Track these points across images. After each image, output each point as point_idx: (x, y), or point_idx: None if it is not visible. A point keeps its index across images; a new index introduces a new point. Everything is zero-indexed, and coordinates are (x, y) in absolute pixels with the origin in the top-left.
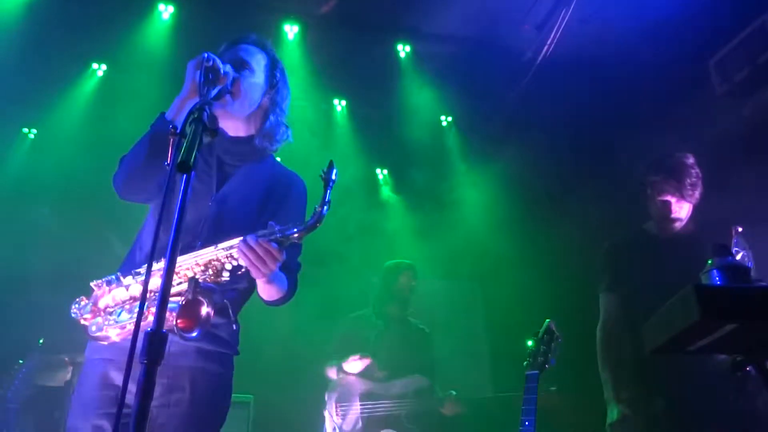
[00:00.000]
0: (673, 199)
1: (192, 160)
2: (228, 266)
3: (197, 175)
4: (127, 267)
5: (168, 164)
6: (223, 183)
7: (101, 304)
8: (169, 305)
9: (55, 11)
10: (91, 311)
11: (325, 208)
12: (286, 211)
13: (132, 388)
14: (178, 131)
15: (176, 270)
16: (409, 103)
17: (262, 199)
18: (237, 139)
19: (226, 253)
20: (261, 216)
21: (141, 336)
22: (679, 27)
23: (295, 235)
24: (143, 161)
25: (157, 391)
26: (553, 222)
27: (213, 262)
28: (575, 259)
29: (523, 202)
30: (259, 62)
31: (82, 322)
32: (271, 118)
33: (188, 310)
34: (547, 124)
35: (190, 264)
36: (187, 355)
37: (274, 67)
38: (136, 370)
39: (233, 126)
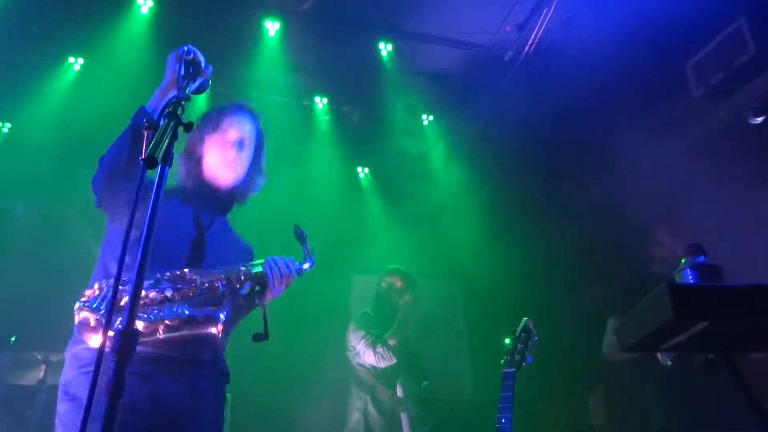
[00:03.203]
0: (667, 240)
1: (160, 153)
2: (246, 284)
3: (179, 216)
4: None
5: (142, 159)
6: (207, 226)
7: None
8: (219, 314)
9: (31, 4)
10: (97, 308)
11: (313, 259)
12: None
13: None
14: (152, 124)
15: (203, 282)
16: (390, 101)
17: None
18: (221, 192)
19: (248, 271)
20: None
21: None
22: (657, 30)
23: (307, 269)
24: (126, 157)
25: (176, 396)
26: (533, 222)
27: (236, 279)
28: (554, 258)
29: (504, 202)
30: (251, 135)
31: (82, 314)
32: (257, 181)
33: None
34: (527, 125)
35: (220, 277)
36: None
37: (261, 135)
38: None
39: (223, 185)
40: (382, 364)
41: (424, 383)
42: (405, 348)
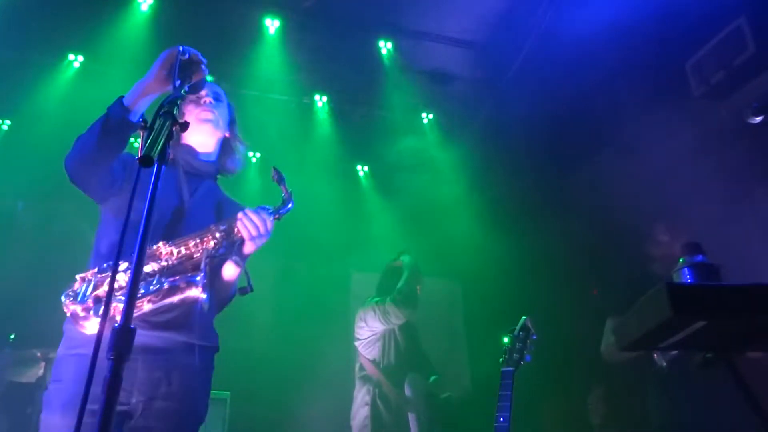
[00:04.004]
0: (666, 238)
1: (156, 153)
2: (223, 240)
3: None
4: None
5: (137, 158)
6: (190, 193)
7: (95, 294)
8: (196, 278)
9: (31, 1)
10: (82, 300)
11: (292, 199)
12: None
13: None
14: (147, 124)
15: (178, 251)
16: (390, 99)
17: (216, 215)
18: (206, 161)
19: (220, 230)
20: None
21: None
22: (657, 29)
23: (287, 210)
24: (94, 144)
25: (145, 384)
26: (533, 220)
27: (210, 240)
28: (554, 257)
29: (503, 198)
30: (224, 96)
31: (71, 307)
32: (240, 150)
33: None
34: (527, 124)
35: (194, 242)
36: (175, 350)
37: (232, 108)
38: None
39: (204, 146)
40: (405, 313)
41: (433, 377)
42: (412, 343)
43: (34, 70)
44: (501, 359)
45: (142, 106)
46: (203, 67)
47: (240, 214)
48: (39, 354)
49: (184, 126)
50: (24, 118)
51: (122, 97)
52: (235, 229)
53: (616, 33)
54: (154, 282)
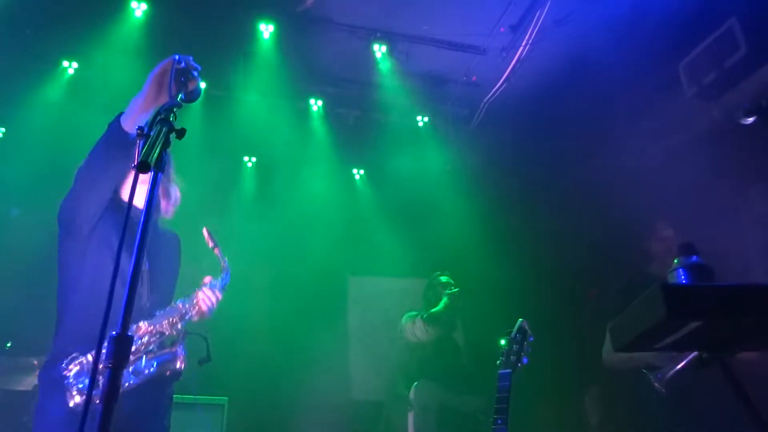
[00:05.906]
0: (669, 233)
1: (153, 160)
2: (186, 316)
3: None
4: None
5: (134, 165)
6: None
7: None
8: (177, 353)
9: (25, 7)
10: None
11: (229, 269)
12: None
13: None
14: (144, 132)
15: (155, 330)
16: (385, 102)
17: (177, 256)
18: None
19: (189, 305)
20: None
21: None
22: (650, 30)
23: (227, 282)
24: (101, 156)
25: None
26: (528, 221)
27: (179, 318)
28: (550, 258)
29: (498, 201)
30: None
31: (77, 399)
32: (178, 190)
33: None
34: (521, 123)
35: (167, 321)
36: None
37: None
38: None
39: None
40: (419, 336)
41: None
42: (443, 359)
43: (29, 77)
44: (498, 361)
45: (139, 123)
46: (196, 74)
47: (201, 295)
48: (35, 362)
49: (181, 133)
50: (18, 124)
51: (121, 114)
52: (195, 305)
53: (611, 34)
54: (143, 363)
